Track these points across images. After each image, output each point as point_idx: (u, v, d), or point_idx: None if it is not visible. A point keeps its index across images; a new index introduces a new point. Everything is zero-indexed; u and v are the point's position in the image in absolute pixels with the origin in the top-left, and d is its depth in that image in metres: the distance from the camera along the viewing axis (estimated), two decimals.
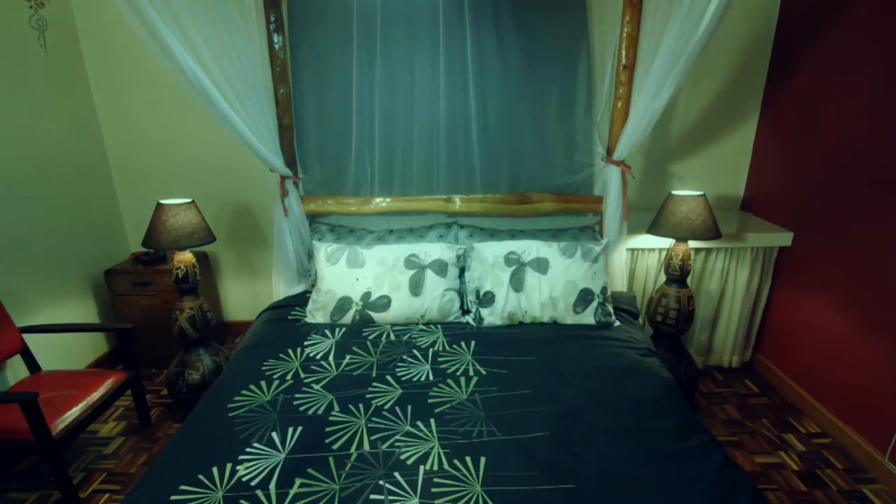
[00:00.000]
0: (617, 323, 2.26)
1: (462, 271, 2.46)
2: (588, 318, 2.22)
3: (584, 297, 2.22)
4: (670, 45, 2.04)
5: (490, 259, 2.32)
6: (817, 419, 2.42)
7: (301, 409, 1.68)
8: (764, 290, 2.74)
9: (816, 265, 2.45)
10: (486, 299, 2.26)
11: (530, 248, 2.31)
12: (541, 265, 2.26)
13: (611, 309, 2.26)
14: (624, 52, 2.38)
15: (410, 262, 2.31)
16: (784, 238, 2.59)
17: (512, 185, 2.70)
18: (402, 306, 2.25)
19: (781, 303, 2.70)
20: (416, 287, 2.27)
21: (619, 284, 2.59)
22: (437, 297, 2.27)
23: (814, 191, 2.46)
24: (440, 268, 2.32)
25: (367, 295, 2.25)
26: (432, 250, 2.37)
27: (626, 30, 2.35)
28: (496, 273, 2.28)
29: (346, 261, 2.32)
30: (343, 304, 2.25)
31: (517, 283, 2.25)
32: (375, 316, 2.25)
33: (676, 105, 2.78)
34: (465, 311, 2.35)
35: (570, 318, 2.23)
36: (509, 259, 2.29)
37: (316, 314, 2.28)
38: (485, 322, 2.25)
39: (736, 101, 2.81)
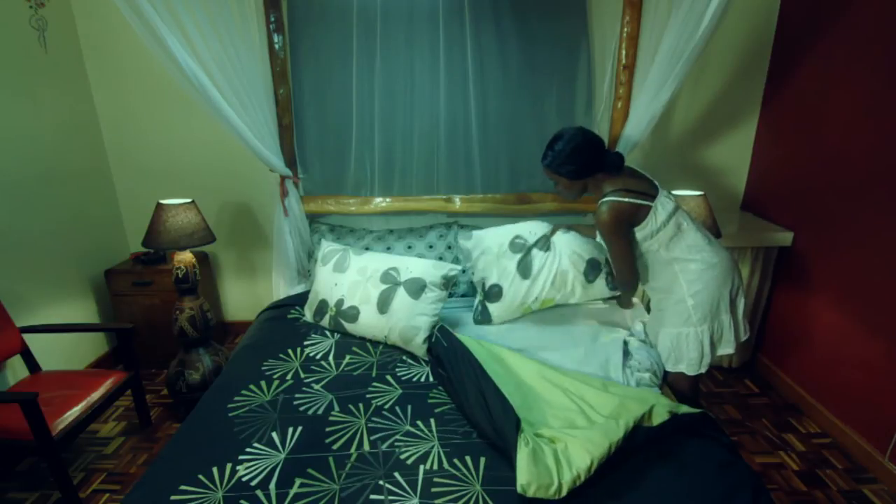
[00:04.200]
0: None
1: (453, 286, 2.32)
2: (600, 285, 2.12)
3: (594, 267, 2.11)
4: (670, 45, 2.04)
5: (494, 248, 2.20)
6: (817, 419, 2.42)
7: (301, 409, 1.68)
8: (764, 290, 2.74)
9: (816, 265, 2.44)
10: (493, 293, 2.16)
11: (536, 229, 2.22)
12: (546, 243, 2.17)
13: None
14: (624, 52, 2.38)
15: (387, 275, 2.11)
16: (784, 238, 2.59)
17: (512, 184, 2.70)
18: (370, 321, 2.05)
19: (781, 303, 2.70)
20: (383, 304, 2.03)
21: None
22: (401, 319, 1.99)
23: (814, 191, 2.45)
24: (416, 289, 2.04)
25: (340, 302, 2.14)
26: (416, 267, 2.11)
27: (626, 30, 2.35)
28: (502, 263, 2.16)
29: (333, 264, 2.24)
30: (322, 307, 2.18)
31: (524, 269, 2.14)
32: (347, 326, 2.11)
33: (676, 105, 2.78)
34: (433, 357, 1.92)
35: (579, 292, 2.12)
36: (514, 244, 2.18)
37: (306, 311, 2.27)
38: (493, 320, 2.16)
39: (736, 101, 2.81)
